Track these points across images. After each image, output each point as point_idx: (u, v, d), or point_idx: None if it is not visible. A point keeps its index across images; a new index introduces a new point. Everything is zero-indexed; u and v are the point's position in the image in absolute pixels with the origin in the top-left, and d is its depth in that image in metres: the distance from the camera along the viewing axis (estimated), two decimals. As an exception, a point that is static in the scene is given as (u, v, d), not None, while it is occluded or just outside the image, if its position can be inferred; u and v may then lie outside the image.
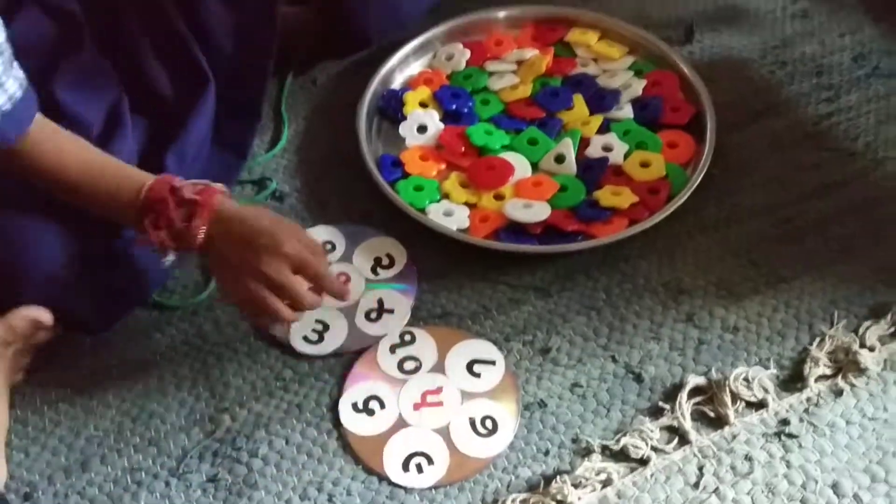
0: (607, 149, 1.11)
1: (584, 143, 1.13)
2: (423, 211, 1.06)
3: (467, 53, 1.23)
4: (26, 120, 0.83)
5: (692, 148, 1.12)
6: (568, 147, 1.11)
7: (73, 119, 0.93)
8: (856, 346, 0.94)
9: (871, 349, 0.94)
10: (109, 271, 0.93)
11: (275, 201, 1.10)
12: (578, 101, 1.17)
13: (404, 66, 1.22)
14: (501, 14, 1.28)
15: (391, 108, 1.17)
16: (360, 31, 1.20)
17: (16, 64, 0.82)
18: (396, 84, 1.21)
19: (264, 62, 1.09)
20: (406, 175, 1.10)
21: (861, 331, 0.96)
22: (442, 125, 1.15)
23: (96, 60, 1.01)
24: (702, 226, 1.06)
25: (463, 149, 1.12)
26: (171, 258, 0.87)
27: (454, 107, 1.16)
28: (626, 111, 1.16)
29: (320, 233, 1.06)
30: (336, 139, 1.16)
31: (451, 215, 1.06)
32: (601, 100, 1.17)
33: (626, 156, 1.11)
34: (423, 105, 1.17)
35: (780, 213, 1.08)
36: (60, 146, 0.87)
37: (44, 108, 0.87)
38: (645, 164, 1.09)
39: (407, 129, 1.15)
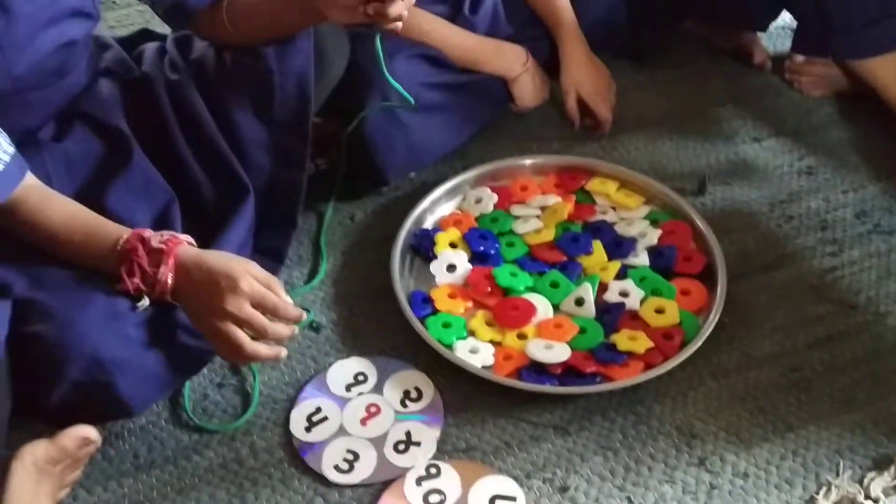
0: (624, 294, 1.19)
1: (602, 287, 1.20)
2: (450, 347, 1.13)
3: (495, 197, 1.33)
4: (12, 183, 0.93)
5: (704, 296, 1.19)
6: (587, 291, 1.18)
7: (114, 220, 1.01)
8: (860, 498, 0.99)
9: (876, 501, 0.99)
10: (151, 350, 0.97)
11: (311, 331, 1.17)
12: (598, 247, 1.25)
13: (436, 207, 1.32)
14: (528, 161, 1.38)
15: (423, 247, 1.26)
16: (380, 171, 1.31)
17: (4, 142, 0.93)
18: (428, 224, 1.30)
19: (298, 174, 1.17)
20: (435, 311, 1.18)
21: (865, 482, 1.01)
22: (470, 265, 1.23)
23: (145, 169, 1.11)
24: (713, 372, 1.12)
25: (489, 288, 1.20)
26: (144, 303, 0.95)
27: (482, 248, 1.25)
28: (642, 258, 1.24)
29: (353, 364, 1.13)
30: (371, 274, 1.24)
31: (476, 352, 1.13)
32: (619, 246, 1.25)
33: (641, 301, 1.18)
34: (453, 245, 1.26)
35: (788, 362, 1.14)
36: (46, 205, 0.97)
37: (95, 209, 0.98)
38: (660, 311, 1.16)
39: (437, 268, 1.23)
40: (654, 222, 1.29)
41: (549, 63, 1.49)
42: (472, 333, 1.15)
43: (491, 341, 1.14)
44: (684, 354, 1.11)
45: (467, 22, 1.42)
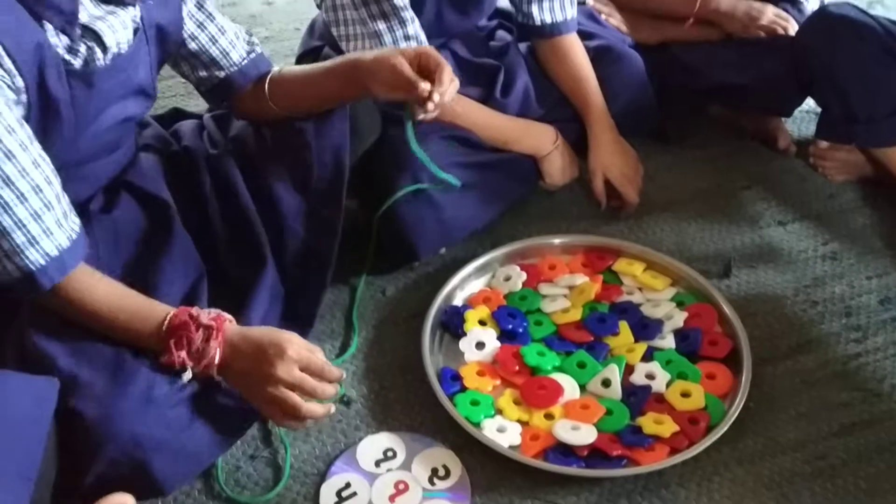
0: (650, 377, 1.21)
1: (628, 369, 1.22)
2: (478, 425, 1.15)
3: (524, 276, 1.36)
4: (69, 267, 0.98)
5: (729, 381, 1.21)
6: (614, 373, 1.20)
7: (156, 295, 1.06)
8: (885, 592, 0.99)
9: None
10: (187, 430, 1.00)
11: (342, 405, 1.20)
12: (624, 328, 1.27)
13: (465, 284, 1.35)
14: (556, 241, 1.42)
15: (453, 324, 1.29)
16: (412, 248, 1.35)
17: (71, 215, 0.98)
18: (458, 300, 1.33)
19: (331, 240, 1.21)
20: (464, 388, 1.20)
21: (890, 575, 1.01)
22: (498, 343, 1.26)
23: (183, 242, 1.16)
24: (738, 458, 1.14)
25: (517, 367, 1.22)
26: (188, 375, 1.00)
27: (510, 327, 1.27)
28: (668, 341, 1.26)
29: (383, 440, 1.15)
30: (401, 349, 1.27)
31: (503, 431, 1.15)
32: (645, 328, 1.28)
33: (667, 385, 1.20)
34: (482, 323, 1.29)
35: (812, 449, 1.15)
36: (93, 283, 1.01)
37: (139, 284, 1.04)
38: (685, 394, 1.18)
39: (466, 345, 1.26)
40: (680, 304, 1.32)
41: (578, 143, 1.54)
42: (499, 412, 1.17)
43: (518, 420, 1.16)
44: (710, 440, 1.12)
45: (499, 104, 1.47)
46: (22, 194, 0.93)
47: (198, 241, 1.18)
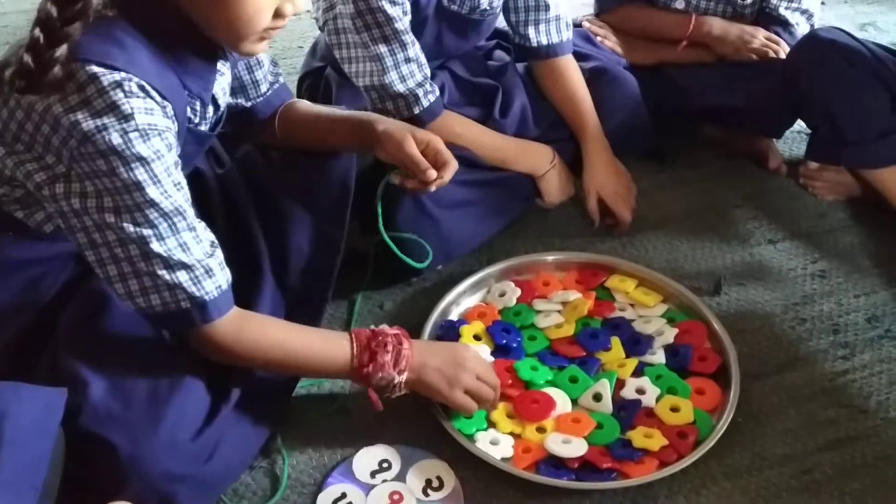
0: (640, 391, 1.23)
1: (619, 383, 1.25)
2: (471, 438, 1.18)
3: (518, 292, 1.39)
4: (231, 304, 1.04)
5: (718, 396, 1.23)
6: (605, 387, 1.23)
7: None
8: None
9: None
10: (208, 462, 1.04)
11: (340, 416, 1.23)
12: (616, 343, 1.30)
13: (461, 299, 1.38)
14: (550, 258, 1.45)
15: (448, 339, 1.31)
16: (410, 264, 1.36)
17: (224, 266, 1.03)
18: (454, 315, 1.36)
19: (334, 256, 1.24)
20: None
21: (872, 588, 1.03)
22: (492, 358, 1.29)
23: None
24: (725, 472, 1.16)
25: (510, 381, 1.25)
26: (400, 378, 1.11)
27: (504, 342, 1.30)
28: (658, 356, 1.29)
29: (379, 451, 1.17)
30: (398, 362, 1.30)
31: (497, 444, 1.17)
32: (636, 344, 1.31)
33: (657, 399, 1.22)
34: (477, 338, 1.32)
35: (799, 464, 1.17)
36: (263, 331, 1.07)
37: None
38: (675, 409, 1.21)
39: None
40: (671, 321, 1.35)
41: (574, 163, 1.57)
42: (493, 425, 1.20)
43: (511, 433, 1.19)
44: (698, 453, 1.15)
45: (497, 124, 1.50)
46: (197, 235, 0.99)
47: None
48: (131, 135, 0.92)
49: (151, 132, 0.93)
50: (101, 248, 0.97)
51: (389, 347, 1.09)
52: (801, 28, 1.62)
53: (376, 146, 1.21)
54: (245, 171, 1.29)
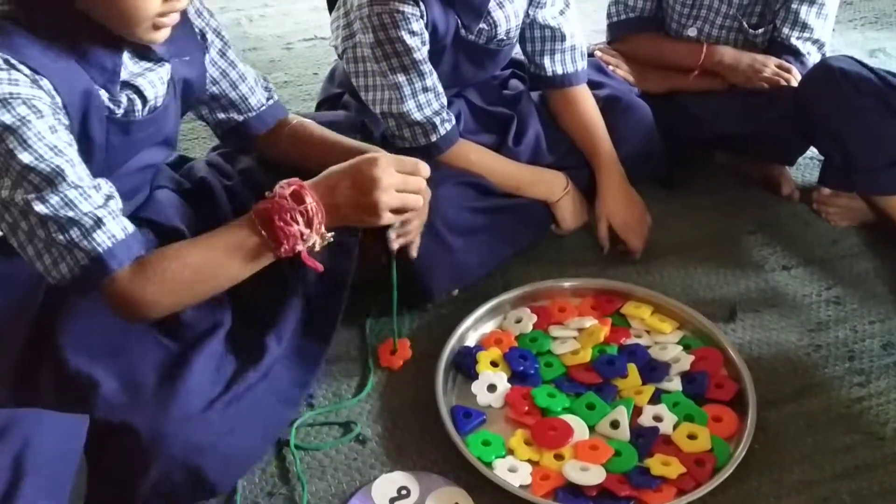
0: (658, 419, 1.24)
1: (636, 410, 1.26)
2: (490, 465, 1.18)
3: (534, 318, 1.40)
4: (135, 251, 1.01)
5: (735, 423, 1.24)
6: (622, 414, 1.24)
7: (180, 325, 1.12)
8: None
9: None
10: (234, 433, 1.06)
11: (357, 444, 1.23)
12: (632, 370, 1.31)
13: (478, 325, 1.39)
14: (566, 284, 1.46)
15: (465, 365, 1.32)
16: (426, 289, 1.39)
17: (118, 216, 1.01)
18: (471, 341, 1.37)
19: (348, 263, 1.25)
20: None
21: None
22: (509, 385, 1.29)
23: None
24: (743, 499, 1.16)
25: (527, 408, 1.26)
26: (315, 240, 1.05)
27: (521, 368, 1.31)
28: (675, 383, 1.29)
29: (397, 478, 1.18)
30: (415, 388, 1.31)
31: (515, 471, 1.18)
32: (653, 371, 1.31)
33: (674, 427, 1.23)
34: (494, 364, 1.32)
35: (817, 491, 1.17)
36: (171, 258, 1.03)
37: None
38: (692, 437, 1.21)
39: (478, 388, 1.29)
40: (687, 347, 1.35)
41: (588, 190, 1.58)
42: (511, 452, 1.21)
43: (529, 460, 1.19)
44: (716, 481, 1.15)
45: (511, 152, 1.52)
46: (84, 191, 0.98)
47: None
48: None
49: (14, 100, 0.95)
50: (14, 231, 0.99)
51: (295, 215, 1.03)
52: (813, 57, 1.63)
53: None
54: (249, 183, 1.31)
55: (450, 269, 1.39)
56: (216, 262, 1.05)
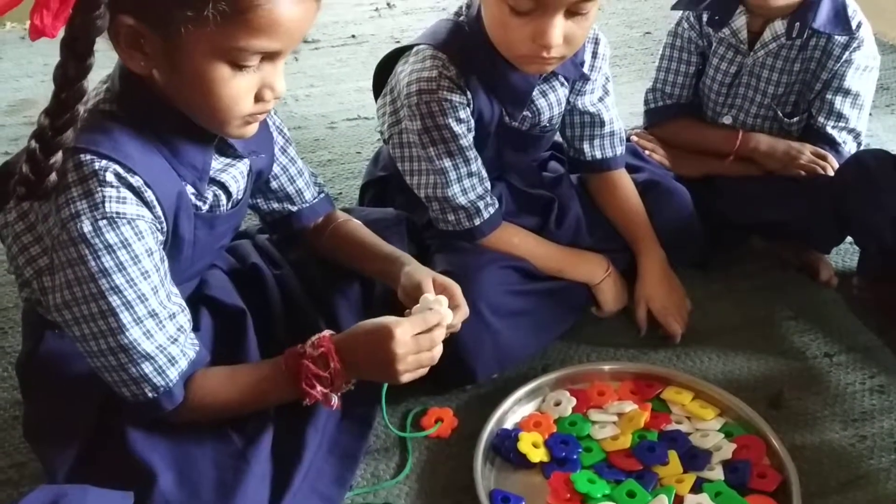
0: (700, 508, 1.22)
1: (678, 499, 1.24)
2: (530, 551, 1.17)
3: (574, 401, 1.39)
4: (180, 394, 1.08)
5: (780, 515, 1.22)
6: (664, 503, 1.22)
7: None
8: None
9: None
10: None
11: (397, 526, 1.23)
12: (673, 457, 1.30)
13: (517, 407, 1.39)
14: (606, 367, 1.46)
15: (504, 447, 1.32)
16: (469, 371, 1.40)
17: (185, 349, 1.08)
18: (509, 423, 1.37)
19: None
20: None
21: None
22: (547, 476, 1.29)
23: (255, 348, 1.24)
24: None
25: (568, 495, 1.25)
26: (335, 401, 1.12)
27: (563, 454, 1.30)
28: (717, 472, 1.28)
29: (436, 563, 1.17)
30: (454, 470, 1.30)
31: (555, 559, 1.17)
32: (694, 458, 1.30)
33: (718, 517, 1.21)
34: (535, 446, 1.32)
35: (865, 589, 1.15)
36: (217, 384, 1.11)
37: None
38: (736, 528, 1.19)
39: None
40: (728, 435, 1.34)
41: (628, 272, 1.59)
42: (551, 538, 1.20)
43: (569, 547, 1.18)
44: (761, 576, 1.13)
45: (552, 234, 1.54)
46: (160, 321, 1.03)
47: (263, 349, 1.26)
48: (100, 223, 0.98)
49: (120, 220, 0.99)
50: (82, 342, 1.03)
51: (320, 379, 1.10)
52: (849, 146, 1.65)
53: (396, 285, 1.25)
54: (300, 273, 1.36)
55: (494, 351, 1.40)
56: (252, 400, 1.14)
